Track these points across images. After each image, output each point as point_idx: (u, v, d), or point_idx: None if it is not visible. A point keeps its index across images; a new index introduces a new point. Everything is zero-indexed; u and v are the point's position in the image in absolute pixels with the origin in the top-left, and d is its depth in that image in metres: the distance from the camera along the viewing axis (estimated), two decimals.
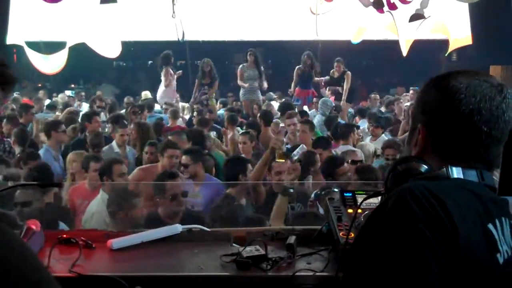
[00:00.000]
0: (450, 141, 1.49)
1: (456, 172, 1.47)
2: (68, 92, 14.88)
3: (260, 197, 5.11)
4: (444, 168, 1.47)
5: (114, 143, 7.03)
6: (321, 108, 10.24)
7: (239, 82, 11.86)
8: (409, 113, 6.92)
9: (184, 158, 5.54)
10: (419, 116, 1.56)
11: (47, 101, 12.99)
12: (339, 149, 6.92)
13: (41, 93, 14.20)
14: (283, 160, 5.53)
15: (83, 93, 14.44)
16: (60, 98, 12.97)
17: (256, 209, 4.98)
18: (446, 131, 1.49)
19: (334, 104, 10.69)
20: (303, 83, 12.23)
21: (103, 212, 4.36)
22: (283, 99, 12.63)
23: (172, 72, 11.77)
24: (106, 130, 8.62)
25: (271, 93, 13.43)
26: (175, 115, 9.12)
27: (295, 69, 12.23)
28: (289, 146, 6.92)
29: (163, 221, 4.11)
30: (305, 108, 11.49)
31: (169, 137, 6.74)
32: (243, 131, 7.22)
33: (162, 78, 11.96)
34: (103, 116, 10.09)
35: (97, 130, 7.67)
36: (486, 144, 1.47)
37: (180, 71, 12.79)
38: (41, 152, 6.87)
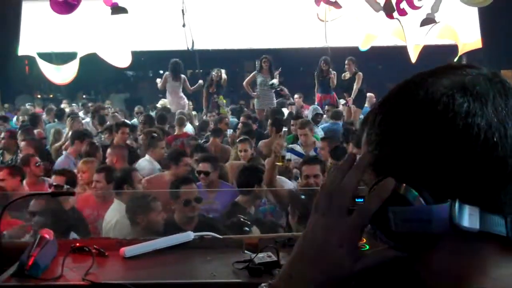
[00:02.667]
0: (461, 186, 0.83)
1: None
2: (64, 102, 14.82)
3: (282, 200, 5.11)
4: None
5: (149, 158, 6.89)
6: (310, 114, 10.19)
7: (245, 85, 11.84)
8: None
9: (203, 166, 5.56)
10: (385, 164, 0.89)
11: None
12: None
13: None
14: (281, 164, 5.63)
15: (89, 104, 14.50)
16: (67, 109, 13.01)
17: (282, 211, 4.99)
18: (452, 171, 0.83)
19: (322, 112, 10.62)
20: (322, 88, 12.20)
21: (125, 221, 4.36)
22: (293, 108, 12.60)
23: (172, 79, 11.77)
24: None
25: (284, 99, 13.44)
26: (181, 122, 9.14)
27: (315, 74, 12.19)
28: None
29: (179, 227, 4.12)
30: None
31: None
32: (242, 138, 7.20)
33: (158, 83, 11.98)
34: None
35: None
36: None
37: (200, 81, 12.81)
38: (61, 158, 6.91)
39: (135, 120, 10.66)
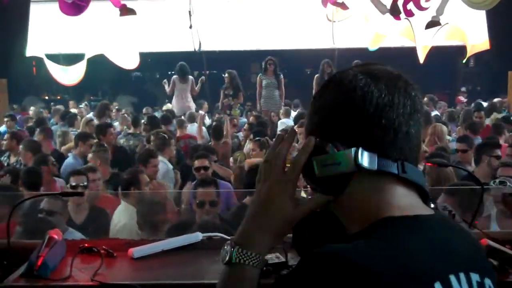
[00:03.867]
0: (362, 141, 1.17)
1: None
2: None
3: None
4: None
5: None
6: None
7: (259, 91, 11.85)
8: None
9: (201, 161, 5.59)
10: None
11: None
12: None
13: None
14: (289, 165, 5.58)
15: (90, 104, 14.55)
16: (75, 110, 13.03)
17: None
18: (354, 129, 1.16)
19: None
20: None
21: (133, 223, 4.36)
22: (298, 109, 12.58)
23: (180, 81, 11.78)
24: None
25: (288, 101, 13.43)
26: (182, 124, 9.17)
27: (314, 79, 12.15)
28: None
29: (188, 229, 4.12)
30: None
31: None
32: (256, 138, 7.21)
33: (167, 87, 12.01)
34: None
35: (112, 142, 7.61)
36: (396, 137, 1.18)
37: (202, 77, 12.82)
38: (68, 160, 6.93)
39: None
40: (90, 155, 6.54)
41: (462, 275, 1.07)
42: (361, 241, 1.03)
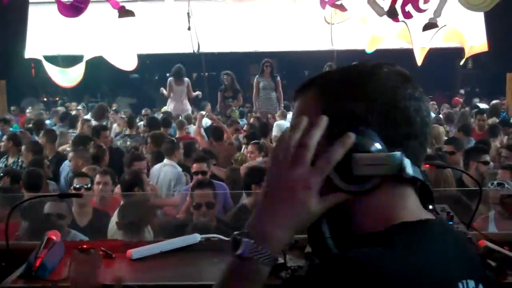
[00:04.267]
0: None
1: None
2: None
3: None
4: None
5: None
6: None
7: (255, 94, 11.88)
8: None
9: (200, 166, 5.59)
10: None
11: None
12: None
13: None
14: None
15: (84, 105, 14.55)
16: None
17: None
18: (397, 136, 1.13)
19: None
20: None
21: None
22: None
23: (175, 84, 11.78)
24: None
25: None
26: (181, 125, 9.16)
27: None
28: None
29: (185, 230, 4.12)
30: None
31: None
32: (252, 140, 7.21)
33: (165, 92, 12.02)
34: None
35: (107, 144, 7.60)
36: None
37: (199, 92, 12.82)
38: (67, 161, 6.93)
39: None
40: (70, 155, 6.54)
41: (465, 283, 1.07)
42: (382, 249, 1.00)
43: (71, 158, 6.47)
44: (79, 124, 9.43)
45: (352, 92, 1.09)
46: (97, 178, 5.29)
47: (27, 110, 12.79)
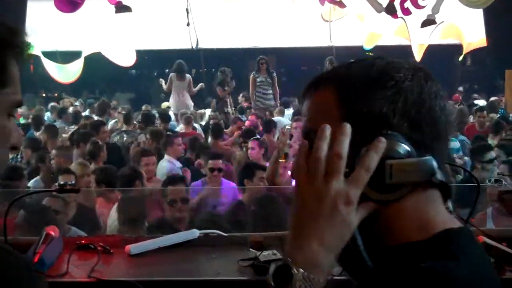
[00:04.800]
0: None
1: None
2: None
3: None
4: None
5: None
6: None
7: (251, 90, 11.92)
8: None
9: (216, 163, 5.59)
10: None
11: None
12: None
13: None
14: (284, 160, 5.65)
15: (95, 104, 14.52)
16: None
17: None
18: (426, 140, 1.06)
19: None
20: None
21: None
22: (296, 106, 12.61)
23: (177, 79, 11.78)
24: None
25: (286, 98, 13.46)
26: (189, 121, 9.16)
27: None
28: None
29: (172, 227, 4.14)
30: None
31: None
32: (255, 137, 7.21)
33: (164, 85, 12.03)
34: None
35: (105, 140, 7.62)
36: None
37: (202, 84, 12.82)
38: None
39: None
40: (54, 152, 6.57)
41: None
42: (448, 261, 0.94)
43: (53, 155, 6.50)
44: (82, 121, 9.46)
45: (374, 93, 1.01)
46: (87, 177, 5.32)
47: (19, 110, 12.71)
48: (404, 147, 0.97)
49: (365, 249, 1.00)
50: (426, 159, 0.98)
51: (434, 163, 0.98)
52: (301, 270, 0.92)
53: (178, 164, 6.48)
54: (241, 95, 12.67)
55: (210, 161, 5.66)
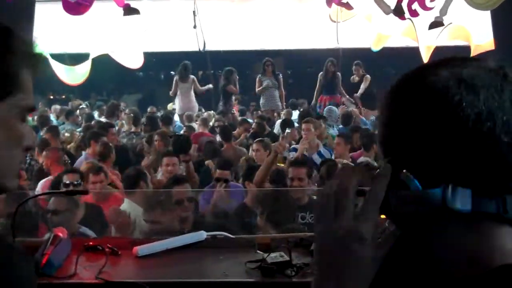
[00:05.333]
0: (453, 171, 0.91)
1: None
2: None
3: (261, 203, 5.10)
4: None
5: None
6: (327, 117, 10.11)
7: (257, 91, 11.96)
8: None
9: (224, 173, 5.58)
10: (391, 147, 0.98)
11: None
12: (359, 160, 6.85)
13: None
14: (283, 164, 5.61)
15: (104, 106, 14.57)
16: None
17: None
18: (444, 156, 0.90)
19: (339, 112, 10.57)
20: (327, 89, 12.23)
21: (140, 220, 4.39)
22: (304, 107, 12.61)
23: (181, 81, 11.80)
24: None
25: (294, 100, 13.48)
26: (205, 122, 9.23)
27: (318, 76, 12.28)
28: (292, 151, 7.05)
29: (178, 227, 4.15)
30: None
31: None
32: (258, 139, 7.20)
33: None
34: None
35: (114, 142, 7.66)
36: (511, 161, 0.89)
37: (210, 86, 12.84)
38: (80, 159, 6.99)
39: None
40: (44, 153, 6.60)
41: None
42: None
43: (43, 157, 6.54)
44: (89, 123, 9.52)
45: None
46: (91, 177, 5.31)
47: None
48: (411, 178, 0.91)
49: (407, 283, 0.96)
50: (430, 191, 0.90)
51: (448, 193, 0.89)
52: None
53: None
54: (233, 97, 12.64)
55: (218, 171, 5.59)
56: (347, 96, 12.15)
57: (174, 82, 11.84)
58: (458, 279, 0.90)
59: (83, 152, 7.32)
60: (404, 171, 0.91)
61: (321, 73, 12.25)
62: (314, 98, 12.38)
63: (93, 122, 9.88)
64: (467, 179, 0.89)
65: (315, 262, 0.95)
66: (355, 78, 12.45)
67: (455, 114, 0.88)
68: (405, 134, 0.93)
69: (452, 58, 0.99)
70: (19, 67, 1.13)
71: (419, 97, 0.92)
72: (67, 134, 8.94)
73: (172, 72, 13.59)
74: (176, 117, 11.80)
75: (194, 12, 10.32)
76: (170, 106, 12.69)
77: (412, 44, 10.69)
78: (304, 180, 5.17)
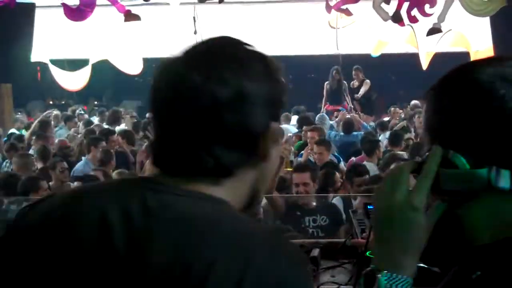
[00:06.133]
0: (497, 154, 1.05)
1: None
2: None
3: (278, 210, 5.08)
4: None
5: None
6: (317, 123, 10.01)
7: None
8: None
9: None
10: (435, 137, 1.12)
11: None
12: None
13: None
14: (290, 169, 5.55)
15: (106, 112, 14.51)
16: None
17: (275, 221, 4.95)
18: (489, 142, 1.05)
19: (339, 118, 10.52)
20: (333, 98, 12.24)
21: None
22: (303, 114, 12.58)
23: None
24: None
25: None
26: None
27: (324, 85, 12.29)
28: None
29: None
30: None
31: None
32: None
33: None
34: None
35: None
36: None
37: None
38: (80, 164, 7.01)
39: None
40: (14, 159, 6.65)
41: None
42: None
43: (13, 162, 6.58)
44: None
45: None
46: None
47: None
48: (460, 158, 1.05)
49: (449, 248, 1.14)
50: (478, 171, 1.04)
51: (493, 174, 1.03)
52: (385, 271, 1.04)
53: None
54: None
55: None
56: (349, 107, 12.10)
57: None
58: (479, 246, 1.06)
59: (83, 158, 7.33)
60: (454, 152, 1.05)
61: (327, 82, 12.26)
62: (322, 106, 12.35)
63: (92, 126, 9.84)
64: (507, 162, 1.03)
65: (373, 229, 1.13)
66: (355, 83, 12.47)
67: (499, 106, 1.03)
68: (455, 122, 1.07)
69: (495, 57, 1.20)
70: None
71: (469, 90, 1.07)
72: (66, 139, 8.93)
73: None
74: None
75: (194, 17, 10.35)
76: None
77: (411, 50, 10.73)
78: (309, 184, 5.13)
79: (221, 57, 1.11)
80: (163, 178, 1.07)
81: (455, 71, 1.14)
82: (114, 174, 5.95)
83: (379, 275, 1.04)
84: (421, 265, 1.17)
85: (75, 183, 5.27)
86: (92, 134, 8.30)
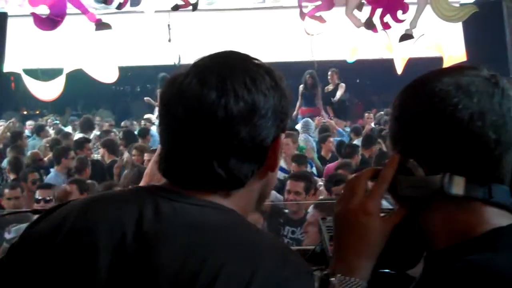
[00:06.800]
0: (451, 161, 1.10)
1: None
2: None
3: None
4: None
5: None
6: (303, 128, 10.10)
7: None
8: None
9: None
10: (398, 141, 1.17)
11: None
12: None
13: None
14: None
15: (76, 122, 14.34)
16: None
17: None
18: (444, 149, 1.09)
19: (313, 124, 10.58)
20: (306, 102, 12.28)
21: None
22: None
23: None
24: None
25: None
26: None
27: (299, 88, 12.33)
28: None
29: None
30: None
31: None
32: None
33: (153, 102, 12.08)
34: None
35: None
36: (497, 155, 1.08)
37: None
38: (50, 176, 6.90)
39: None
40: None
41: None
42: (491, 254, 1.03)
43: None
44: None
45: None
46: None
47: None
48: (416, 165, 1.10)
49: (412, 253, 1.17)
50: (431, 177, 1.08)
51: (446, 180, 1.07)
52: (338, 275, 1.09)
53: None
54: None
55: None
56: (323, 112, 12.15)
57: (158, 95, 11.81)
58: (448, 248, 1.09)
59: (52, 170, 7.23)
60: (411, 160, 1.10)
61: (301, 85, 12.31)
62: (295, 110, 12.39)
63: (59, 136, 9.69)
64: (461, 169, 1.08)
65: (333, 236, 1.18)
66: (329, 87, 12.51)
67: (452, 114, 1.07)
68: (412, 130, 1.12)
69: (454, 67, 1.22)
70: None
71: (424, 99, 1.11)
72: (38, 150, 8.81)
73: (148, 86, 13.49)
74: (154, 128, 11.71)
75: (168, 25, 10.32)
76: (146, 117, 12.54)
77: (386, 55, 10.82)
78: (301, 194, 5.13)
79: (233, 72, 1.18)
80: (176, 188, 1.11)
81: (416, 80, 1.18)
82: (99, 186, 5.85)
83: (332, 279, 1.08)
84: (387, 270, 1.22)
85: (37, 192, 5.20)
86: (57, 145, 8.17)
